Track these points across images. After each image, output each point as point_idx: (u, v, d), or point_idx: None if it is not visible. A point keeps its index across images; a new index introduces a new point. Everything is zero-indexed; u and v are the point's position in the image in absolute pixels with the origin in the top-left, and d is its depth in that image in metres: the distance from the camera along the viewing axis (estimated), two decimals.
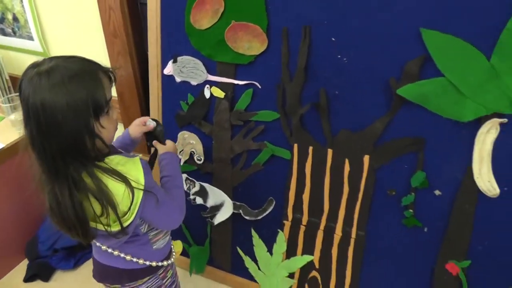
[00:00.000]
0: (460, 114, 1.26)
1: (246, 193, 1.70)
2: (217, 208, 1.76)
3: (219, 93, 1.57)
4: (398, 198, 1.45)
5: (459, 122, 1.27)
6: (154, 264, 1.28)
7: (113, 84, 1.09)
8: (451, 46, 1.21)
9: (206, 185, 1.75)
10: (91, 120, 0.99)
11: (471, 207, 1.35)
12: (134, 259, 1.23)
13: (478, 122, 1.26)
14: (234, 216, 1.76)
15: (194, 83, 1.60)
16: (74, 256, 2.11)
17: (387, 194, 1.46)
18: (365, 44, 1.31)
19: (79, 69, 0.98)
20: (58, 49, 2.04)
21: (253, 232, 1.75)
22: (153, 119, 1.39)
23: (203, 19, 1.47)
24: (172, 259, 1.37)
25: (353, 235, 1.57)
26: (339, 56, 1.36)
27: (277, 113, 1.52)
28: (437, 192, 1.39)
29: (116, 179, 1.03)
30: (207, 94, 1.59)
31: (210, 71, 1.55)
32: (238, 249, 1.83)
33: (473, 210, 1.35)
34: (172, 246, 1.40)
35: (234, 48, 1.48)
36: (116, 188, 1.03)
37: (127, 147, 1.40)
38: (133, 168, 1.08)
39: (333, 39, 1.35)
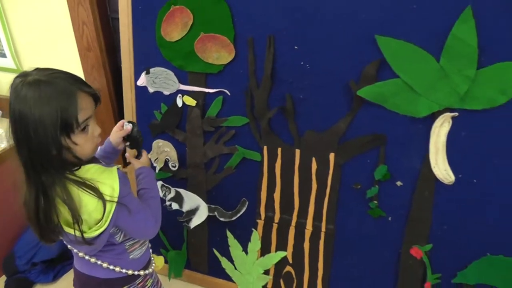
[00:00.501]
0: (416, 110, 1.39)
1: (220, 195, 1.78)
2: (192, 212, 1.83)
3: (190, 101, 1.65)
4: (363, 191, 1.56)
5: (415, 118, 1.40)
6: (130, 272, 1.31)
7: (98, 104, 1.15)
8: (404, 50, 1.34)
9: (181, 190, 1.83)
10: (59, 136, 1.04)
11: (430, 195, 1.47)
12: (111, 267, 1.27)
13: (432, 117, 1.39)
14: (209, 219, 1.84)
15: (166, 93, 1.68)
16: (53, 269, 2.13)
17: (353, 188, 1.57)
18: (326, 50, 1.43)
19: (59, 86, 1.04)
20: (32, 65, 2.05)
21: (228, 233, 1.83)
22: (129, 122, 1.45)
23: (173, 31, 1.56)
24: (150, 269, 1.40)
25: (323, 229, 1.67)
26: (302, 63, 1.47)
27: (246, 118, 1.61)
28: (398, 183, 1.51)
29: (87, 191, 1.08)
30: (179, 103, 1.67)
31: (182, 81, 1.64)
32: (215, 250, 1.90)
33: (432, 198, 1.47)
34: (152, 258, 1.45)
35: (204, 58, 1.57)
36: (87, 199, 1.08)
37: (110, 156, 1.46)
38: (109, 177, 1.13)
39: (296, 47, 1.46)
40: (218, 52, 1.54)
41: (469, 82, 1.31)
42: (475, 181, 1.40)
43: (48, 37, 1.97)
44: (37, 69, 1.08)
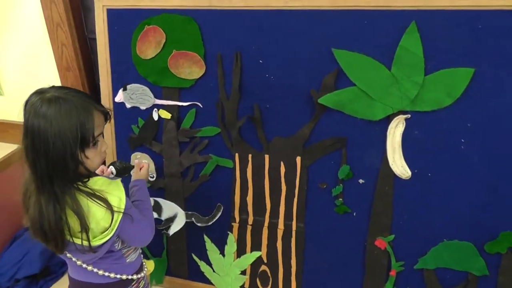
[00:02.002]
0: (372, 114, 1.55)
1: (196, 202, 1.89)
2: (171, 219, 1.93)
3: (166, 114, 1.77)
4: (329, 190, 1.69)
5: (372, 121, 1.56)
6: (124, 277, 1.39)
7: (107, 122, 1.26)
8: (359, 61, 1.51)
9: (159, 199, 1.92)
10: (76, 150, 1.14)
11: (390, 189, 1.62)
12: (106, 274, 1.35)
13: (387, 119, 1.55)
14: (187, 225, 1.93)
15: (143, 107, 1.79)
16: (36, 284, 2.17)
17: (319, 187, 1.71)
18: (288, 64, 1.58)
19: (76, 103, 1.13)
20: (12, 86, 2.18)
21: (206, 238, 1.93)
22: (109, 165, 1.56)
23: (147, 50, 1.69)
24: (142, 273, 1.49)
25: (294, 227, 1.80)
26: (267, 75, 1.62)
27: (218, 128, 1.74)
28: (360, 181, 1.66)
29: (97, 201, 1.17)
30: (155, 117, 1.79)
31: (157, 96, 1.76)
32: (193, 255, 1.99)
33: (392, 192, 1.63)
34: (143, 262, 1.54)
35: (177, 74, 1.70)
36: (96, 208, 1.18)
37: None
38: (116, 188, 1.24)
39: (260, 61, 1.61)
40: (190, 68, 1.67)
41: (418, 87, 1.48)
42: (429, 174, 1.56)
43: (29, 59, 2.07)
44: (53, 87, 1.17)
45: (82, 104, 1.15)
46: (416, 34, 1.43)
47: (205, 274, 2.00)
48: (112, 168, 1.55)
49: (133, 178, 1.55)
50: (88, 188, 1.19)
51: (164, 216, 1.94)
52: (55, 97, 1.13)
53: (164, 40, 1.66)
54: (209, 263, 1.98)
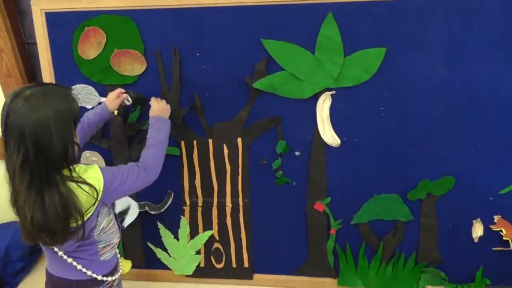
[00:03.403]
0: (301, 93, 1.77)
1: (148, 192, 1.95)
2: (125, 212, 2.01)
3: None
4: (269, 164, 1.88)
5: (302, 99, 1.78)
6: (99, 277, 1.45)
7: None
8: (285, 49, 1.73)
9: None
10: (72, 129, 1.23)
11: (323, 157, 1.84)
12: (84, 270, 1.41)
13: (315, 97, 1.77)
14: (140, 215, 2.03)
15: (89, 106, 1.87)
16: None
17: (260, 163, 1.89)
18: (222, 55, 1.77)
19: (57, 93, 1.23)
20: None
21: (160, 225, 2.04)
22: (126, 92, 1.73)
23: (89, 50, 1.79)
24: (117, 275, 1.55)
25: (241, 203, 1.96)
26: (204, 66, 1.79)
27: None
28: (297, 153, 1.86)
29: (81, 187, 1.25)
30: None
31: (102, 94, 1.86)
32: (149, 244, 2.09)
33: (325, 159, 1.84)
34: (120, 263, 1.60)
35: (120, 72, 1.81)
36: (80, 192, 1.25)
37: (102, 121, 1.72)
38: (94, 172, 1.31)
39: (197, 54, 1.77)
40: (132, 65, 1.80)
41: (340, 67, 1.71)
42: (356, 141, 1.80)
43: None
44: (20, 90, 1.20)
45: (62, 91, 1.25)
46: (333, 22, 1.67)
47: (162, 260, 2.10)
48: (127, 95, 1.72)
49: (152, 114, 1.69)
50: (75, 172, 1.26)
51: (117, 210, 2.01)
52: (32, 92, 1.18)
53: (104, 40, 1.77)
54: (164, 249, 2.08)
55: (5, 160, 1.22)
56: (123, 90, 1.74)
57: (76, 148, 1.28)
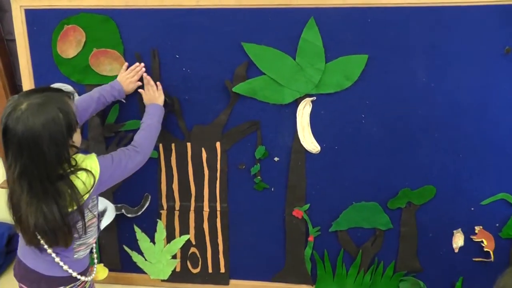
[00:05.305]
0: (282, 99, 1.76)
1: (125, 194, 1.98)
2: (101, 214, 1.98)
3: None
4: (248, 169, 1.87)
5: (282, 105, 1.77)
6: (74, 274, 1.44)
7: None
8: (266, 53, 1.71)
9: None
10: (68, 140, 1.25)
11: (302, 164, 1.83)
12: (61, 263, 1.40)
13: (296, 103, 1.76)
14: (117, 218, 2.00)
15: None
16: None
17: (239, 168, 1.87)
18: (202, 57, 1.75)
19: (54, 101, 1.24)
20: None
21: (136, 228, 2.02)
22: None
23: (68, 49, 1.77)
24: (90, 277, 1.54)
25: (218, 208, 1.95)
26: (184, 69, 1.77)
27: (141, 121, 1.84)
28: (276, 159, 1.84)
29: (78, 176, 1.29)
30: None
31: (81, 94, 1.81)
32: (125, 247, 2.06)
33: (304, 166, 1.83)
34: (94, 267, 1.60)
35: (99, 72, 1.80)
36: (78, 181, 1.29)
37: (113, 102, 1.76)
38: (92, 161, 1.35)
39: (177, 56, 1.75)
40: (111, 65, 1.78)
41: (321, 73, 1.70)
42: (336, 147, 1.79)
43: None
44: (16, 101, 1.23)
45: (59, 99, 1.26)
46: (315, 28, 1.66)
47: (138, 263, 2.08)
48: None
49: (145, 103, 1.74)
50: (73, 167, 1.29)
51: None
52: (30, 105, 1.20)
53: (84, 39, 1.76)
54: (140, 253, 2.06)
55: (5, 170, 1.33)
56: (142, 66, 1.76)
57: (74, 150, 1.32)
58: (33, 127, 1.19)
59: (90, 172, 1.32)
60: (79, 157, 1.35)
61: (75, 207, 1.29)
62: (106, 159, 1.43)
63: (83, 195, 1.31)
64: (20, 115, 1.19)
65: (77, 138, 1.33)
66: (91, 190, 1.34)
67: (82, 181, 1.30)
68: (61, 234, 1.30)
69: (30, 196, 1.24)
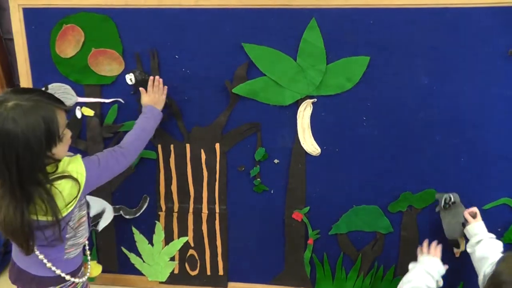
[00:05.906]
0: (282, 100, 1.74)
1: (123, 196, 1.96)
2: (99, 215, 1.97)
3: (88, 112, 1.84)
4: (247, 171, 1.85)
5: (282, 106, 1.75)
6: (62, 274, 1.42)
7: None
8: (267, 54, 1.70)
9: (86, 196, 1.94)
10: (44, 151, 1.21)
11: (302, 166, 1.81)
12: (48, 265, 1.38)
13: (296, 104, 1.75)
14: (115, 219, 1.99)
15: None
16: None
17: (238, 170, 1.86)
18: (202, 58, 1.74)
19: (40, 110, 1.20)
20: None
21: (134, 229, 2.00)
22: (131, 71, 1.74)
23: (67, 48, 1.76)
24: (83, 278, 1.52)
25: (217, 210, 1.93)
26: (183, 69, 1.75)
27: None
28: (276, 161, 1.83)
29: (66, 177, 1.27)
30: (78, 115, 1.85)
31: (79, 94, 1.82)
32: (123, 248, 2.05)
33: (304, 168, 1.82)
34: (88, 266, 1.59)
35: (97, 72, 1.78)
36: (63, 186, 1.26)
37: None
38: (77, 163, 1.32)
39: (176, 56, 1.74)
40: (110, 65, 1.76)
41: (322, 74, 1.68)
42: (337, 150, 1.78)
43: None
44: (12, 91, 1.22)
45: (45, 108, 1.21)
46: (316, 28, 1.64)
47: (136, 265, 2.06)
48: (132, 75, 1.71)
49: (143, 104, 1.71)
50: (54, 175, 1.26)
51: (92, 213, 1.97)
52: (17, 104, 1.18)
53: (83, 39, 1.74)
54: (138, 254, 2.04)
55: None
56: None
57: (51, 160, 1.27)
58: (11, 129, 1.16)
59: (75, 179, 1.29)
60: (64, 160, 1.32)
61: (50, 218, 1.25)
62: (92, 162, 1.41)
63: (67, 205, 1.27)
64: (2, 112, 1.17)
65: (59, 151, 1.28)
66: (77, 198, 1.31)
67: (64, 191, 1.27)
68: (20, 240, 1.27)
69: (3, 191, 1.23)
